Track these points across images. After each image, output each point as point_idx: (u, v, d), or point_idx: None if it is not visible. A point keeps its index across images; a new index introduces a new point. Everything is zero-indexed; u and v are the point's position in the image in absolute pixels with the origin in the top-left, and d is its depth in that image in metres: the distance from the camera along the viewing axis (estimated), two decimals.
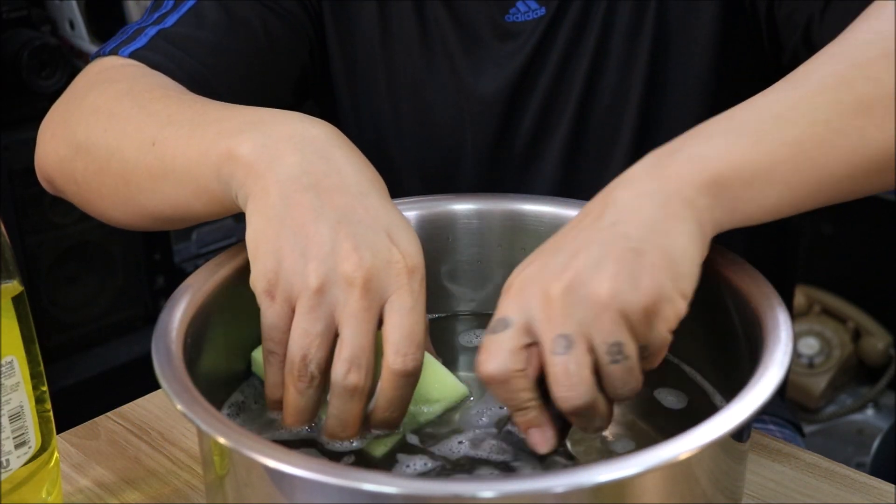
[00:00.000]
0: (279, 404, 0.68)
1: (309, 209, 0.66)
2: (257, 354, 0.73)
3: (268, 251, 0.66)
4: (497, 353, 0.62)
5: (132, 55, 0.89)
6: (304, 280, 0.64)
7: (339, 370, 0.64)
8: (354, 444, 0.67)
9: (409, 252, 0.66)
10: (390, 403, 0.66)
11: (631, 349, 0.61)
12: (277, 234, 0.66)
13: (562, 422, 0.64)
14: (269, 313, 0.66)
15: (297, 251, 0.65)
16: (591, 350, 0.60)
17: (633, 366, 0.61)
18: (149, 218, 0.81)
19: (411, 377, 0.65)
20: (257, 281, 0.67)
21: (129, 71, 0.87)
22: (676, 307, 0.62)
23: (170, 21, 0.92)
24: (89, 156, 0.82)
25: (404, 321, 0.65)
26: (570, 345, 0.60)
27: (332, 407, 0.65)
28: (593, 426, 0.63)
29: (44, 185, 0.91)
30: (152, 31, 0.91)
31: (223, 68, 0.91)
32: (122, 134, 0.79)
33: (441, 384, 0.71)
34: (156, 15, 0.94)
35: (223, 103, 0.79)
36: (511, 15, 0.96)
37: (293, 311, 0.65)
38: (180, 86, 0.86)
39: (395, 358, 0.64)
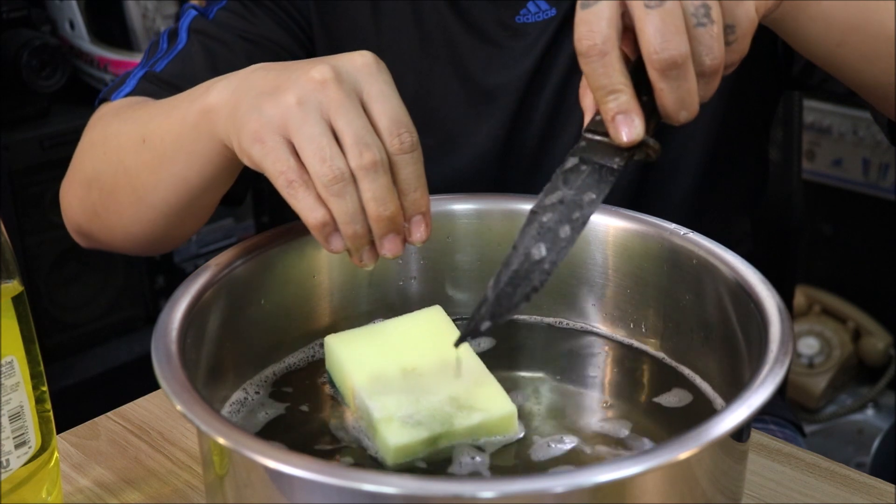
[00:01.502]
0: (326, 232, 0.67)
1: (271, 75, 0.70)
2: (331, 339, 0.75)
3: (248, 111, 0.68)
4: (597, 23, 0.62)
5: (122, 99, 0.94)
6: (283, 105, 0.66)
7: (352, 156, 0.66)
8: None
9: (368, 57, 0.69)
10: (408, 184, 0.68)
11: (717, 14, 0.62)
12: (249, 96, 0.69)
13: (648, 112, 0.64)
14: (270, 156, 0.67)
15: (271, 98, 0.67)
16: (681, 8, 0.61)
17: (717, 35, 0.62)
18: (163, 216, 0.83)
19: (414, 151, 0.67)
20: (247, 146, 0.68)
21: (117, 105, 0.92)
22: None
23: (160, 66, 0.96)
24: (99, 182, 0.87)
25: (386, 106, 0.67)
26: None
27: (364, 192, 0.66)
28: (680, 99, 0.63)
29: (76, 238, 0.96)
30: (140, 72, 0.96)
31: None
32: (118, 149, 0.84)
33: (486, 396, 0.71)
34: (151, 61, 0.98)
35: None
36: (521, 16, 0.96)
37: (289, 143, 0.66)
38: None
39: (392, 140, 0.67)
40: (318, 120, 0.66)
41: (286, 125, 0.66)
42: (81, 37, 1.90)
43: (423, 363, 0.73)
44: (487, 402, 0.70)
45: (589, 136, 0.65)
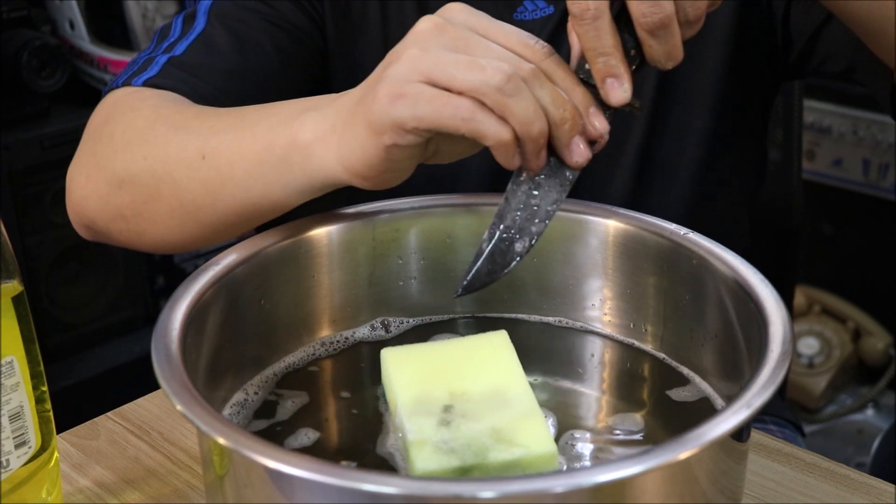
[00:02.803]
0: (514, 150, 0.64)
1: (361, 87, 0.67)
2: (386, 353, 0.74)
3: (363, 105, 0.65)
4: None
5: (145, 83, 0.89)
6: (406, 59, 0.63)
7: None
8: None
9: (460, 4, 0.66)
10: (567, 81, 0.65)
11: None
12: (347, 112, 0.66)
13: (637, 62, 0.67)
14: (423, 103, 0.62)
15: (385, 68, 0.64)
16: None
17: None
18: (210, 231, 0.80)
19: (553, 55, 0.65)
20: (388, 118, 0.63)
21: (148, 97, 0.87)
22: None
23: (179, 49, 0.92)
24: (135, 187, 0.81)
25: (505, 29, 0.65)
26: None
27: (539, 98, 0.63)
28: (667, 52, 0.65)
29: (80, 230, 0.90)
30: (163, 59, 0.91)
31: (236, 91, 0.92)
32: (164, 157, 0.79)
33: (529, 432, 0.67)
34: (164, 44, 0.94)
35: (260, 105, 0.78)
36: (519, 13, 0.96)
37: (433, 84, 0.62)
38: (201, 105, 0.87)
39: (531, 52, 0.64)
40: (451, 51, 0.62)
41: (421, 70, 0.62)
42: (81, 37, 1.90)
43: (473, 388, 0.70)
44: (528, 439, 0.66)
45: (581, 77, 0.67)
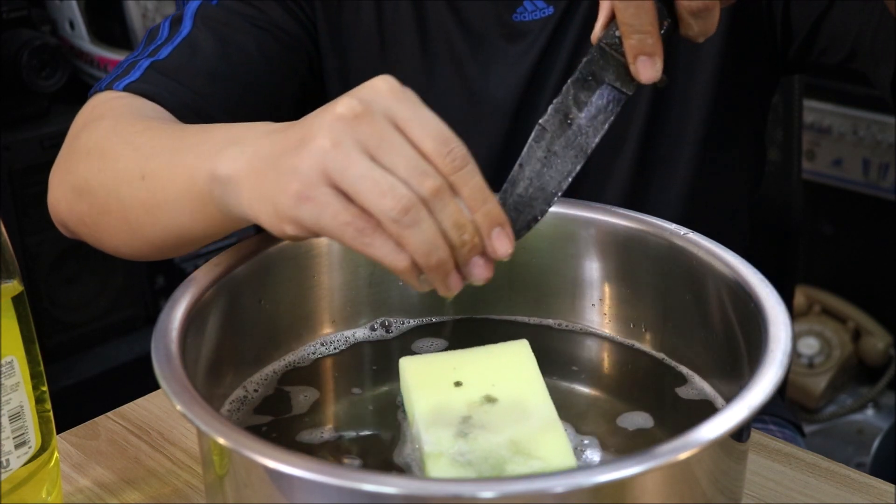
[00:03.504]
0: (417, 273, 0.61)
1: (289, 131, 0.64)
2: (405, 362, 0.72)
3: (278, 178, 0.62)
4: None
5: (126, 88, 0.90)
6: (318, 153, 0.60)
7: (413, 187, 0.59)
8: None
9: (390, 81, 0.63)
10: (475, 199, 0.61)
11: None
12: (271, 162, 0.63)
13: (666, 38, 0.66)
14: (327, 211, 0.60)
15: (300, 151, 0.61)
16: None
17: None
18: (156, 248, 0.80)
19: (469, 164, 0.61)
20: (293, 212, 0.61)
21: (118, 105, 0.88)
22: None
23: (163, 53, 0.93)
24: (91, 197, 0.82)
25: (426, 127, 0.61)
26: None
27: (439, 221, 0.60)
28: (704, 30, 0.66)
29: (60, 229, 0.91)
30: (145, 63, 0.92)
31: (219, 94, 0.92)
32: (114, 172, 0.80)
33: (548, 445, 0.66)
34: (151, 47, 0.94)
35: (202, 126, 0.77)
36: (518, 14, 0.96)
37: (340, 192, 0.60)
38: (166, 114, 0.87)
39: (444, 161, 0.60)
40: (362, 156, 0.59)
41: (329, 173, 0.59)
42: (81, 37, 1.90)
43: (492, 399, 0.69)
44: (547, 452, 0.65)
45: (605, 47, 0.67)
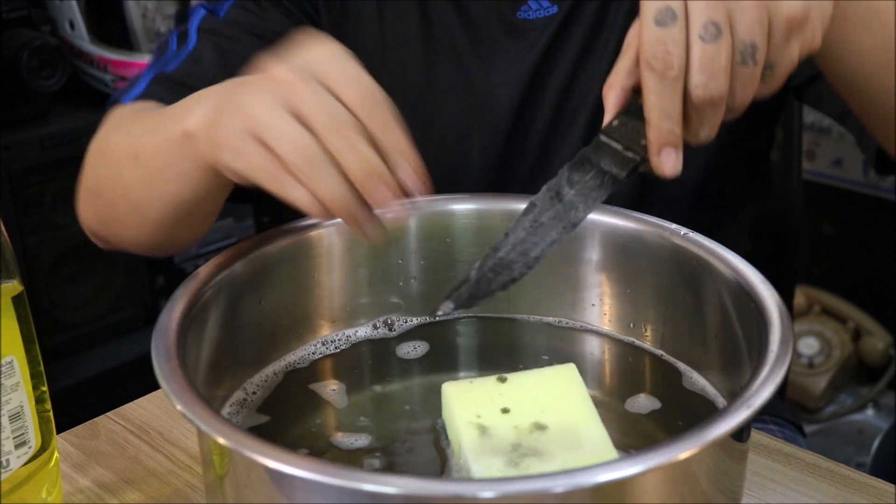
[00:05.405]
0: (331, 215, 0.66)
1: (247, 88, 0.69)
2: (448, 388, 0.71)
3: (223, 130, 0.68)
4: (674, 46, 0.61)
5: (132, 100, 0.94)
6: (249, 112, 0.66)
7: (326, 138, 0.64)
8: None
9: (327, 46, 0.68)
10: (388, 141, 0.66)
11: (761, 56, 0.62)
12: (225, 115, 0.69)
13: None
14: (248, 160, 0.67)
15: (239, 109, 0.67)
16: (731, 45, 0.61)
17: (756, 76, 0.62)
18: (161, 229, 0.83)
19: (389, 121, 0.66)
20: (228, 162, 0.68)
21: (122, 112, 0.92)
22: (815, 33, 0.64)
23: (171, 66, 0.96)
24: (101, 193, 0.88)
25: (355, 87, 0.66)
26: (719, 34, 0.60)
27: (346, 165, 0.64)
28: (707, 131, 0.64)
29: (92, 239, 0.96)
30: (150, 75, 0.96)
31: None
32: (115, 163, 0.85)
33: (595, 443, 0.65)
34: (160, 62, 0.98)
35: (184, 99, 0.80)
36: (522, 12, 0.96)
37: (265, 146, 0.65)
38: (160, 103, 0.91)
39: (363, 112, 0.65)
40: (283, 114, 0.65)
41: (255, 129, 0.66)
42: (81, 37, 1.90)
43: (542, 426, 0.68)
44: (596, 449, 0.65)
45: (604, 139, 0.66)
